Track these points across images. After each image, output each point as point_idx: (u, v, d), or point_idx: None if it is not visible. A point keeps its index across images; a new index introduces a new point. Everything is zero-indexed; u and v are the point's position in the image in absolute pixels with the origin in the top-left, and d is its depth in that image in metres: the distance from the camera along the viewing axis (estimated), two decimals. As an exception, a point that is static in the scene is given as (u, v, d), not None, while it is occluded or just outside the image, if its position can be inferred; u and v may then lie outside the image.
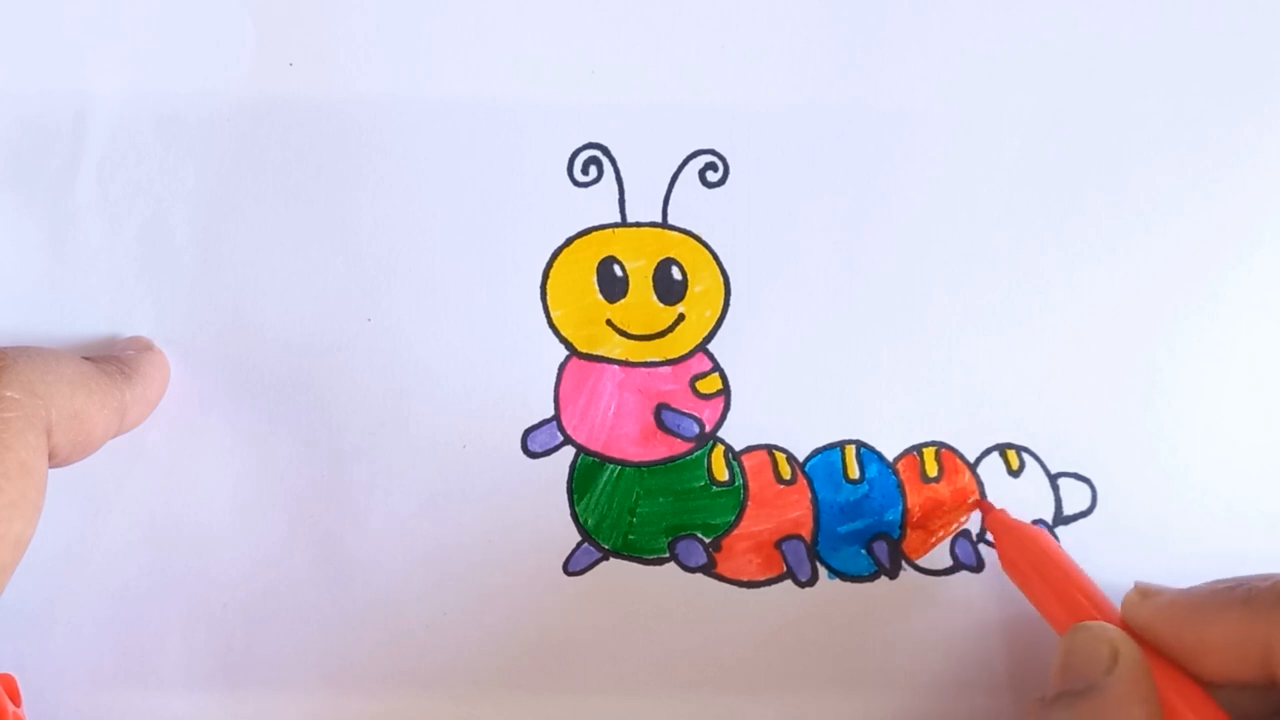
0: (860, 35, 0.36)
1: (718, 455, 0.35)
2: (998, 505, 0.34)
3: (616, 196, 0.35)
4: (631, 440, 0.35)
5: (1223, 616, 0.28)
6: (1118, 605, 0.30)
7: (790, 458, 0.35)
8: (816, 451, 0.35)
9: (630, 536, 0.34)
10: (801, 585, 0.34)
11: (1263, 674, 0.27)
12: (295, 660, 0.34)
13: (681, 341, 0.35)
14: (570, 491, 0.34)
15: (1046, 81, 0.36)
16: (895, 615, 0.34)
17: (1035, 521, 0.34)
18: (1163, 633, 0.29)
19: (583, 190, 0.35)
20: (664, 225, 0.35)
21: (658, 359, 0.35)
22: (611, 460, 0.34)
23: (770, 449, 0.35)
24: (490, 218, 0.35)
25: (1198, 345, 0.35)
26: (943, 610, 0.34)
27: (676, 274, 0.35)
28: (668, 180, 0.35)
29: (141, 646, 0.33)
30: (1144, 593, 0.30)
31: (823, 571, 0.34)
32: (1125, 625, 0.29)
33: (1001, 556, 0.33)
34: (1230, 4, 0.36)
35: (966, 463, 0.35)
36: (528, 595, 0.34)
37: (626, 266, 0.35)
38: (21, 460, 0.27)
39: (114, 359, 0.32)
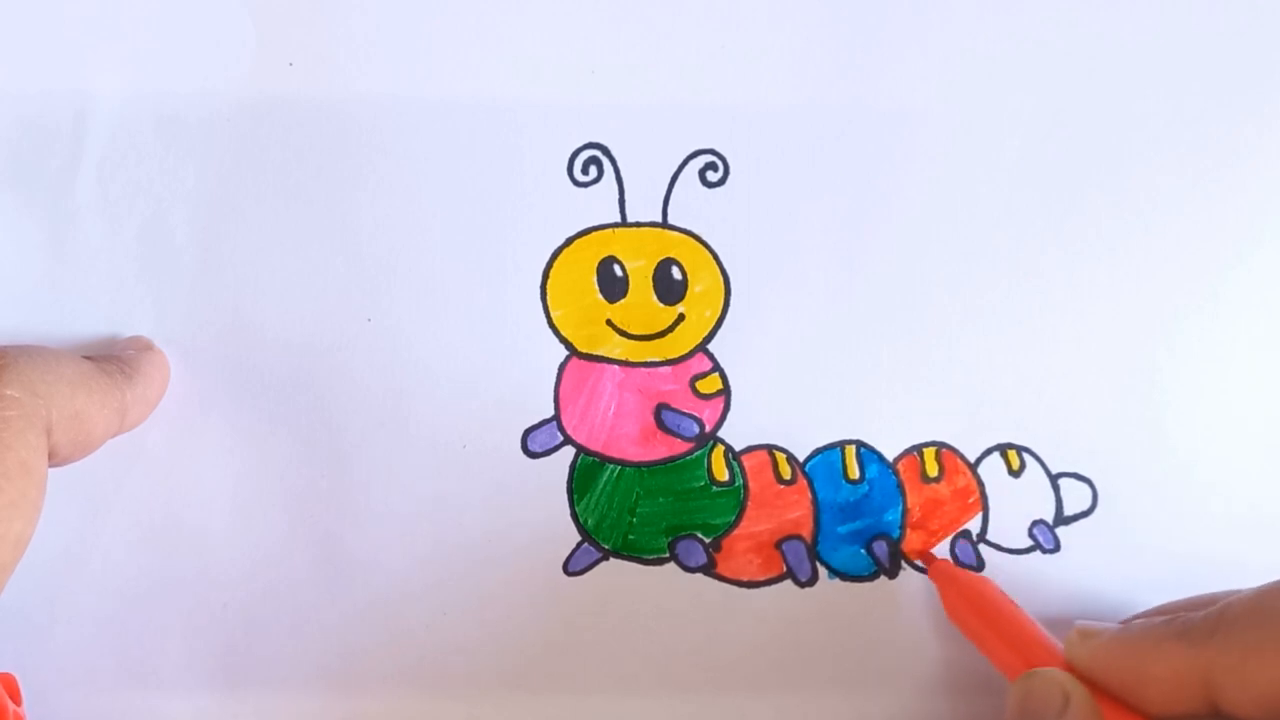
0: (860, 35, 0.36)
1: (718, 455, 0.35)
2: (995, 510, 0.34)
3: (616, 196, 0.35)
4: (631, 440, 0.35)
5: (1160, 651, 0.28)
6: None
7: (790, 458, 0.35)
8: (816, 451, 0.35)
9: (630, 536, 0.34)
10: (801, 585, 0.34)
11: (1205, 704, 0.27)
12: (295, 660, 0.34)
13: (681, 341, 0.35)
14: (570, 491, 0.34)
15: (1046, 81, 0.36)
16: (895, 615, 0.34)
17: (1035, 521, 0.35)
18: (1105, 672, 0.29)
19: (583, 190, 0.35)
20: (664, 225, 0.35)
21: (658, 359, 0.35)
22: (611, 460, 0.34)
23: (770, 449, 0.35)
24: (490, 218, 0.35)
25: (1198, 345, 0.35)
26: (943, 610, 0.34)
27: (676, 274, 0.35)
28: (668, 180, 0.35)
29: (141, 646, 0.33)
30: (1084, 634, 0.30)
31: (823, 571, 0.34)
32: (1069, 667, 0.29)
33: (946, 606, 0.33)
34: (1230, 4, 0.36)
35: (967, 463, 0.35)
36: (528, 595, 0.34)
37: (626, 266, 0.35)
38: (22, 460, 0.27)
39: (114, 359, 0.32)
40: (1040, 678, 0.29)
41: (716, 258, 0.35)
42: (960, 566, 0.34)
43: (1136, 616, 0.31)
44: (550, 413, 0.35)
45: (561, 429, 0.34)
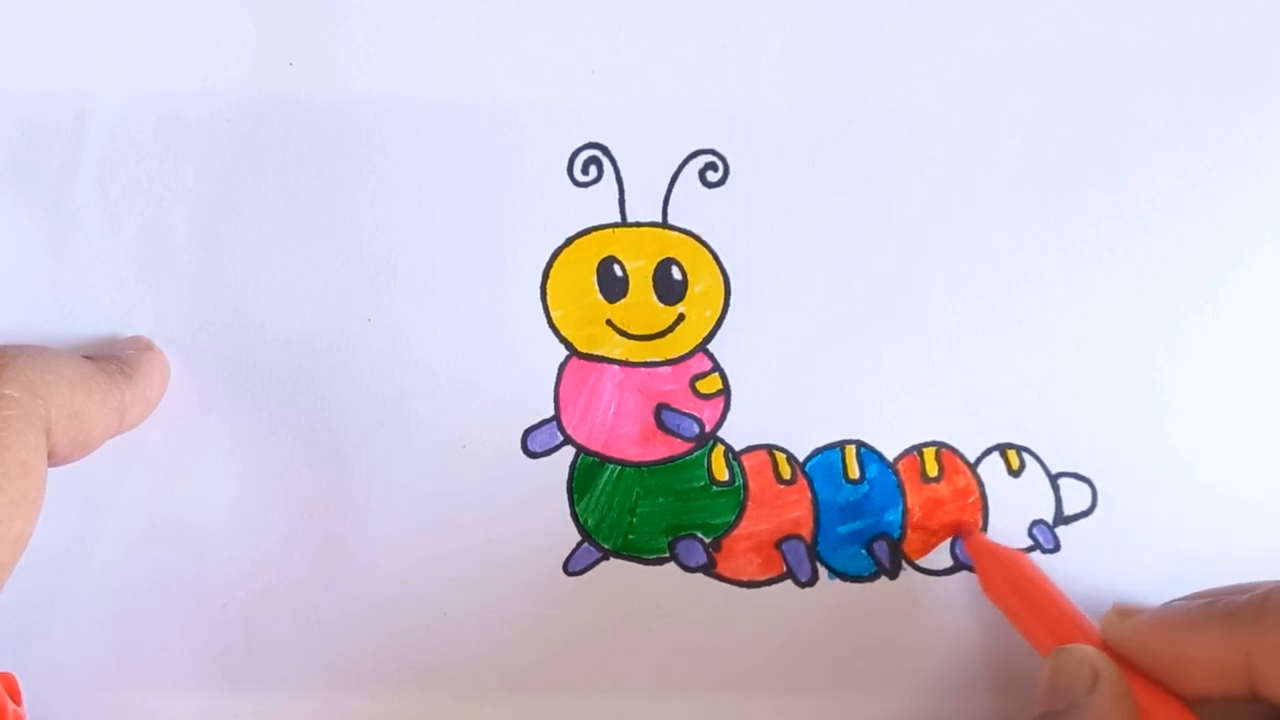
0: (860, 35, 0.36)
1: (718, 455, 0.35)
2: (995, 510, 0.34)
3: (616, 196, 0.35)
4: (631, 440, 0.35)
5: (1202, 633, 0.28)
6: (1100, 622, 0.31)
7: (790, 458, 0.35)
8: (816, 451, 0.35)
9: (630, 536, 0.34)
10: (801, 585, 0.34)
11: (1245, 688, 0.27)
12: (295, 660, 0.34)
13: (681, 341, 0.35)
14: (570, 491, 0.34)
15: (1046, 81, 0.36)
16: (895, 615, 0.34)
17: (1035, 521, 0.35)
18: (1143, 652, 0.29)
19: (583, 190, 0.35)
20: (664, 225, 0.35)
21: (658, 359, 0.35)
22: (611, 460, 0.34)
23: (770, 449, 0.35)
24: (490, 218, 0.35)
25: (1198, 345, 0.35)
26: (943, 610, 0.34)
27: (676, 274, 0.35)
28: (668, 180, 0.35)
29: (141, 646, 0.33)
30: (1122, 613, 0.30)
31: (823, 571, 0.34)
32: (1106, 646, 0.29)
33: (982, 580, 0.33)
34: (1230, 4, 0.36)
35: (967, 463, 0.35)
36: (528, 595, 0.34)
37: (626, 266, 0.35)
38: (21, 459, 0.27)
39: (114, 359, 0.32)
40: (1070, 654, 0.29)
41: (716, 258, 0.35)
42: (961, 566, 0.34)
43: (1175, 600, 0.31)
44: (550, 413, 0.35)
45: (561, 429, 0.34)
